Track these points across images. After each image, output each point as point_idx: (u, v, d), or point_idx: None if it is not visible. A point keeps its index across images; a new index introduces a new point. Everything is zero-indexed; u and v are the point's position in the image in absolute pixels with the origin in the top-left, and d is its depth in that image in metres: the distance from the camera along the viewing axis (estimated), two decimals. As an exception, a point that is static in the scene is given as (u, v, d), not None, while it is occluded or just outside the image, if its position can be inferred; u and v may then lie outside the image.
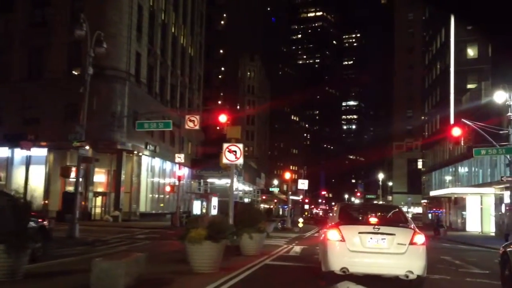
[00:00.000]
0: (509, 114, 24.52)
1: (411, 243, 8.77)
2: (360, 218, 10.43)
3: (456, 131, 22.85)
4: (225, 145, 14.79)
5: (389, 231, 8.89)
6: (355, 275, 8.95)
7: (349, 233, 8.89)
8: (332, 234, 9.03)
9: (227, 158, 14.78)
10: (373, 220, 9.67)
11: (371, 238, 8.80)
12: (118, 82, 37.42)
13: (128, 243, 18.35)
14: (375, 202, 77.52)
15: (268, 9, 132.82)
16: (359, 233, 8.86)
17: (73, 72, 37.69)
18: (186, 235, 9.51)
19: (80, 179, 22.38)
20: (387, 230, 8.87)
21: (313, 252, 14.66)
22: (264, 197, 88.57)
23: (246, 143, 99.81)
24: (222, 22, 75.90)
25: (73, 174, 28.47)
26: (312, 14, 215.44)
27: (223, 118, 20.70)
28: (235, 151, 14.69)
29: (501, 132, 25.78)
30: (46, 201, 37.19)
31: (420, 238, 8.87)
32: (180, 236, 9.88)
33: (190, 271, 10.12)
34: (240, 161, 14.71)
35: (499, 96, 25.82)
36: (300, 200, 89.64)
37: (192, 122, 22.29)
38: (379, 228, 8.82)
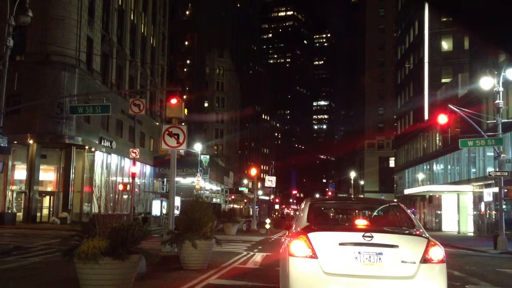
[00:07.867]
0: (497, 101, 21.98)
1: (425, 259, 5.47)
2: (340, 220, 6.99)
3: (443, 119, 20.22)
4: (165, 127, 11.55)
5: (389, 240, 5.55)
6: None
7: (324, 245, 5.55)
8: (296, 247, 5.61)
9: (167, 143, 11.50)
10: (361, 223, 6.35)
11: (359, 253, 5.49)
12: (65, 69, 33.76)
13: (52, 252, 14.96)
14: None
15: (238, 5, 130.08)
16: (340, 244, 5.53)
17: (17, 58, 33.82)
18: (73, 249, 6.15)
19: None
20: (385, 239, 5.55)
21: (277, 262, 11.53)
22: (233, 197, 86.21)
23: (215, 142, 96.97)
24: (188, 13, 72.39)
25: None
26: (283, 14, 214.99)
27: (173, 101, 17.27)
28: (177, 135, 11.43)
29: (488, 122, 23.31)
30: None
31: (438, 252, 5.56)
32: (65, 250, 6.49)
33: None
34: (184, 147, 11.50)
35: (485, 82, 23.35)
36: (270, 200, 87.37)
37: (137, 107, 19.00)
38: (371, 236, 5.48)
